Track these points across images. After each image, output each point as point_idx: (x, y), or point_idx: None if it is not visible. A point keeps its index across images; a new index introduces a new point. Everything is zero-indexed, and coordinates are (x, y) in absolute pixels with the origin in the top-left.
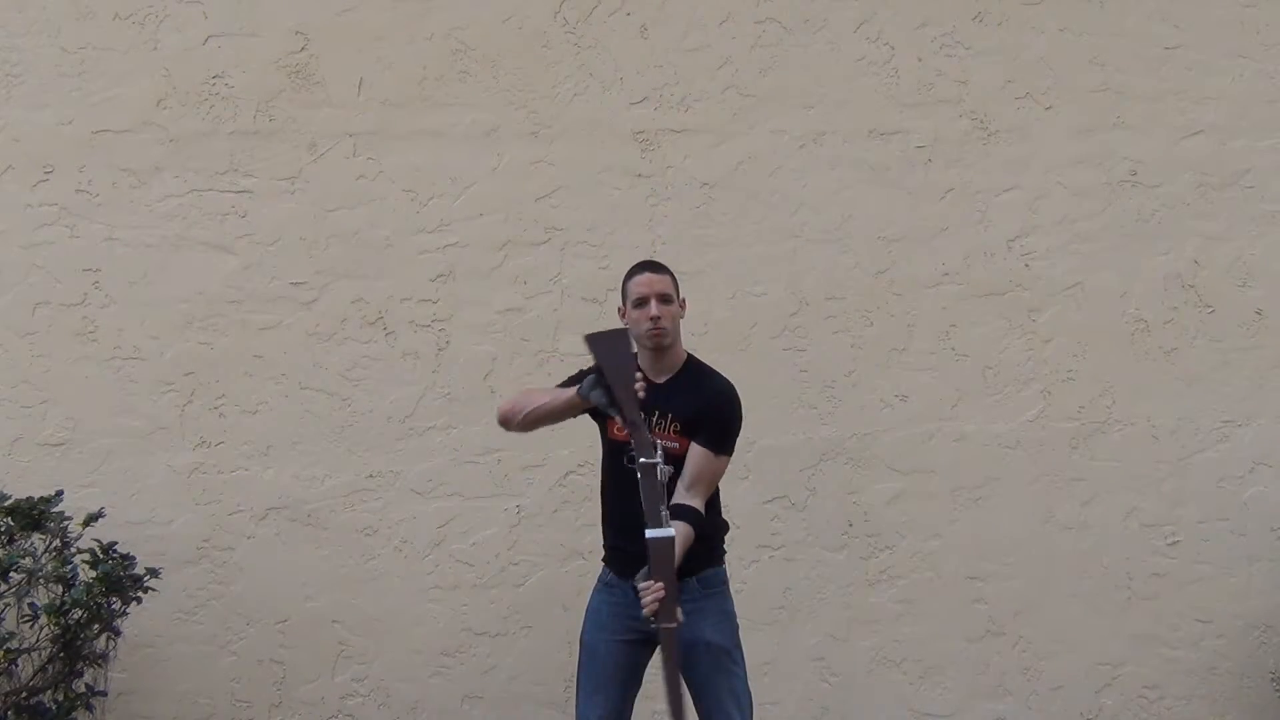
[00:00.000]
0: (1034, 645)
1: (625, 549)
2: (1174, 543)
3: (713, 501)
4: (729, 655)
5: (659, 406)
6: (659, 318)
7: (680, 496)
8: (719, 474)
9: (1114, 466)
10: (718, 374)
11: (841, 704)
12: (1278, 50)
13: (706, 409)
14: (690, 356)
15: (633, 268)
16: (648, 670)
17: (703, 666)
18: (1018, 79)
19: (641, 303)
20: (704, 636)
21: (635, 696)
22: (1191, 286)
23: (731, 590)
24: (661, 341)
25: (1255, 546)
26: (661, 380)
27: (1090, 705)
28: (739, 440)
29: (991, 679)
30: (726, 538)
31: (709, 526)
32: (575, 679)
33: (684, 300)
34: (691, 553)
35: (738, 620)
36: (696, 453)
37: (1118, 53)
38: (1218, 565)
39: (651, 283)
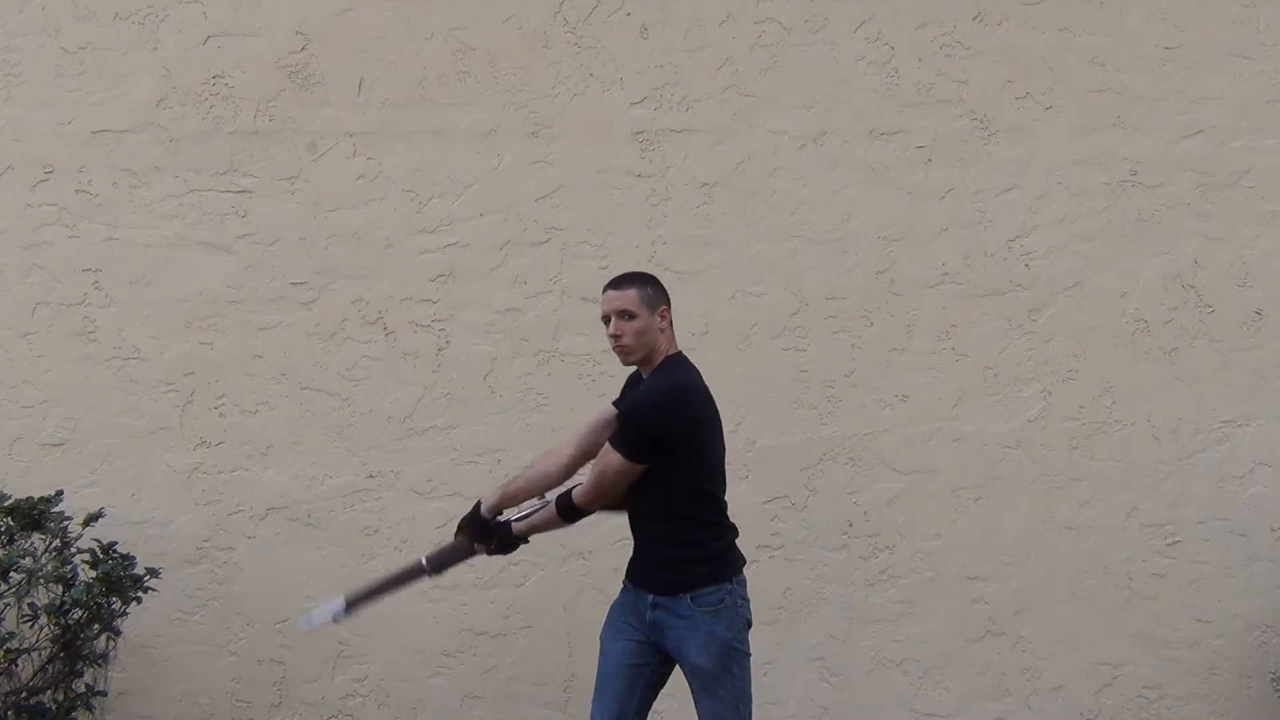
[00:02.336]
0: (1034, 645)
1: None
2: (1174, 543)
3: (717, 524)
4: (714, 679)
5: None
6: (619, 336)
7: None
8: (609, 469)
9: (1114, 466)
10: (667, 378)
11: (841, 704)
12: (1278, 50)
13: (626, 406)
14: (664, 360)
15: (606, 283)
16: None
17: (694, 685)
18: (1018, 79)
19: (605, 321)
20: (689, 658)
21: (647, 702)
22: (1191, 286)
23: (745, 604)
24: (626, 358)
25: (1255, 546)
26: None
27: (1090, 705)
28: (739, 441)
29: (991, 679)
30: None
31: (679, 539)
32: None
33: (664, 310)
34: (664, 560)
35: (736, 643)
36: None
37: (1118, 53)
38: (1218, 565)
39: (611, 300)
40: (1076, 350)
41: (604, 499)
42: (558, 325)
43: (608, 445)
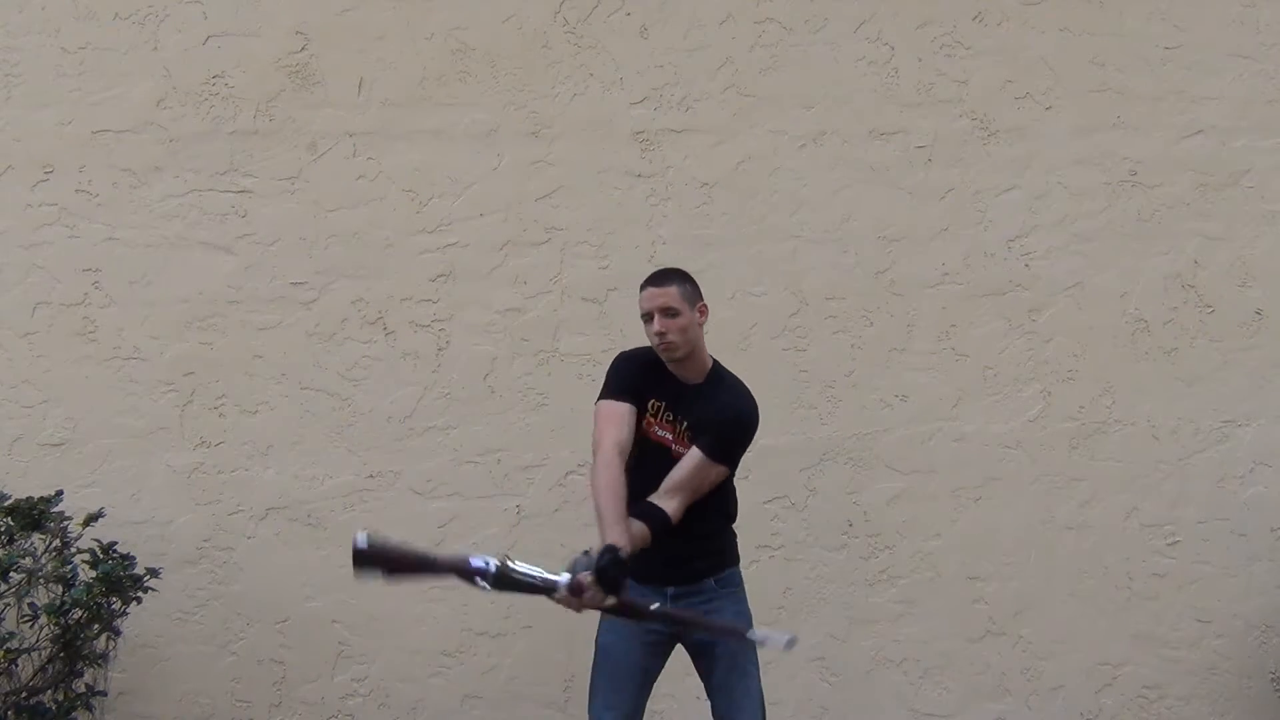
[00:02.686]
0: (1034, 645)
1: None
2: (1174, 543)
3: (726, 506)
4: (745, 656)
5: (683, 414)
6: (664, 333)
7: (657, 496)
8: (706, 483)
9: (1114, 466)
10: (739, 385)
11: (841, 704)
12: (1278, 50)
13: (715, 417)
14: (715, 363)
15: (644, 280)
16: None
17: (720, 668)
18: (1018, 79)
19: (647, 318)
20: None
21: (647, 701)
22: (1191, 286)
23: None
24: (672, 355)
25: (1255, 546)
26: (690, 385)
27: (1090, 705)
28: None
29: (991, 679)
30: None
31: (720, 531)
32: (590, 681)
33: (702, 306)
34: (704, 552)
35: (752, 621)
36: (692, 456)
37: (1118, 53)
38: (1218, 565)
39: (653, 297)
40: (1076, 350)
41: None
42: (558, 325)
43: (704, 458)
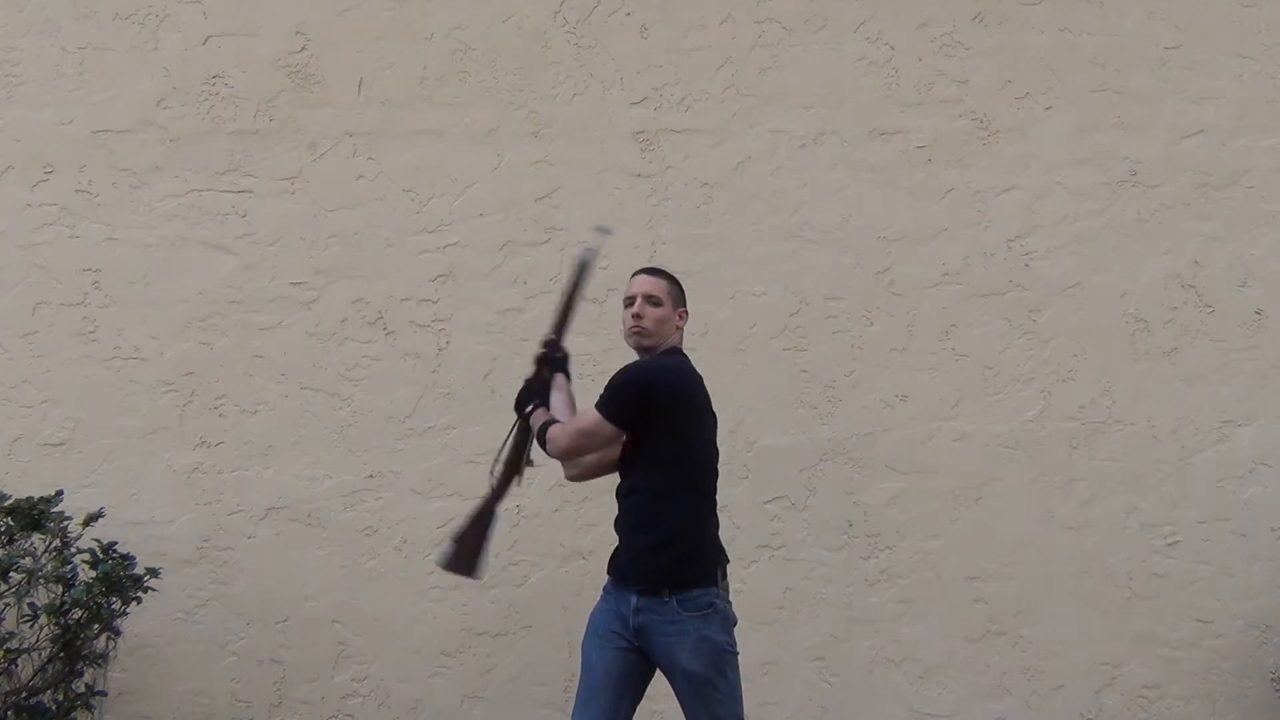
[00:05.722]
0: (1034, 645)
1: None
2: (1174, 543)
3: (703, 520)
4: (709, 683)
5: None
6: (640, 316)
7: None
8: (585, 421)
9: (1114, 466)
10: (655, 359)
11: (841, 704)
12: (1278, 50)
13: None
14: (667, 348)
15: (638, 270)
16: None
17: (681, 693)
18: (1018, 79)
19: (628, 302)
20: (680, 664)
21: (632, 710)
22: (1191, 286)
23: (729, 605)
24: (640, 341)
25: (1255, 546)
26: None
27: (1090, 705)
28: (739, 441)
29: (991, 679)
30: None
31: (694, 542)
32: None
33: (683, 311)
34: (673, 559)
35: (727, 646)
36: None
37: (1118, 53)
38: (1218, 565)
39: (641, 283)
40: (1076, 350)
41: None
42: None
43: (592, 407)
